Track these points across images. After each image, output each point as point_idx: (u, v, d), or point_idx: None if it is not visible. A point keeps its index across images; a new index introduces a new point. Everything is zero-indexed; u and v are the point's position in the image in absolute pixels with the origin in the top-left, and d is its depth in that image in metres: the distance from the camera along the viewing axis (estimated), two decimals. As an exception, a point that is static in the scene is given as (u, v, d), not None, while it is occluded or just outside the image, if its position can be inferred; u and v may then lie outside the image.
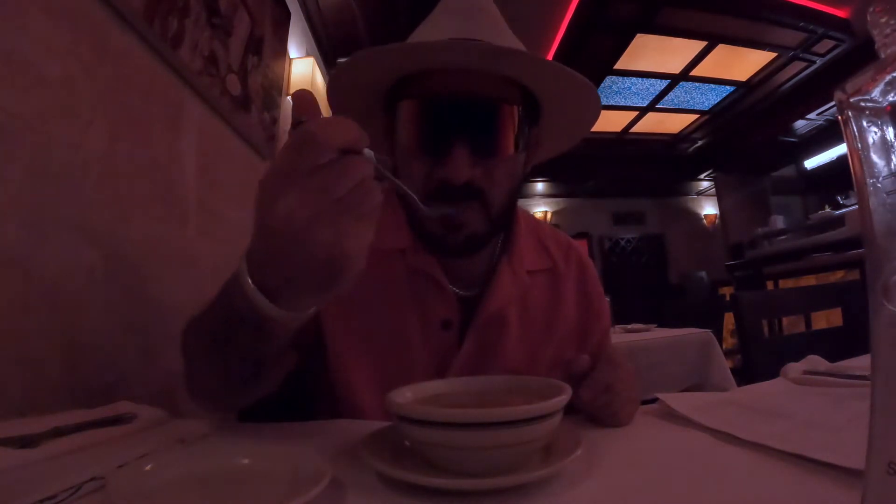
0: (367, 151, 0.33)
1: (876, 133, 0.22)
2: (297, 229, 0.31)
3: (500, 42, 0.51)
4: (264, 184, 0.33)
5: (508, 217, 0.58)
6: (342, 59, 0.54)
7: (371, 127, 0.49)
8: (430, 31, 0.54)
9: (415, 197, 0.37)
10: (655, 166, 6.53)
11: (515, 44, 0.54)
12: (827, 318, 1.47)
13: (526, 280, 0.61)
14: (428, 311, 0.58)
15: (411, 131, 0.52)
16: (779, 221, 4.31)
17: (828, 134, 5.16)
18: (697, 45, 3.81)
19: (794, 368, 0.68)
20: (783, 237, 4.15)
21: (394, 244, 0.58)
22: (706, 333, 1.77)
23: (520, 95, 0.53)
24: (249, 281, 0.35)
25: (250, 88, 1.55)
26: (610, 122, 5.31)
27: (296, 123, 0.32)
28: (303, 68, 2.17)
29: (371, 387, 0.55)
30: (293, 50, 2.17)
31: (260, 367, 0.41)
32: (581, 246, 0.64)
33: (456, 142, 0.49)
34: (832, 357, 0.71)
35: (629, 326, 2.12)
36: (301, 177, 0.31)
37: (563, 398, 0.37)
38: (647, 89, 4.56)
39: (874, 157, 0.22)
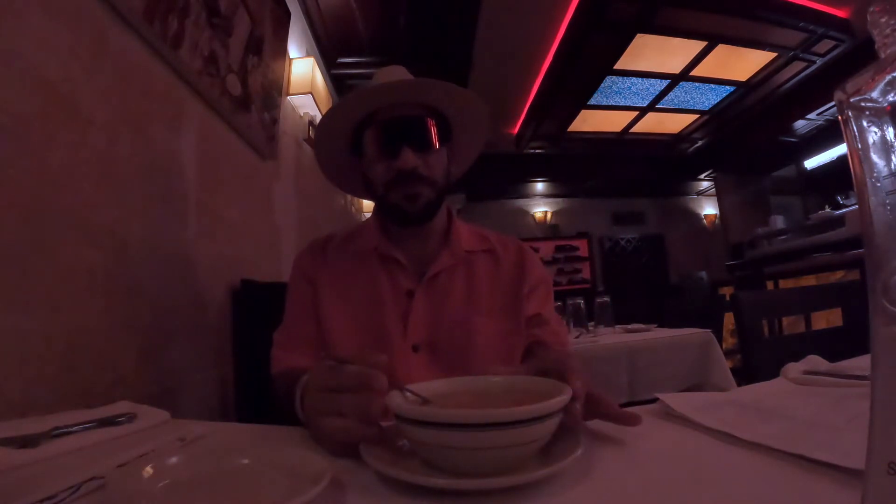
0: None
1: (876, 133, 0.22)
2: (310, 420, 0.50)
3: (413, 83, 0.75)
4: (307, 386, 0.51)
5: (445, 192, 0.80)
6: (316, 135, 0.80)
7: (344, 165, 0.84)
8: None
9: (419, 394, 0.45)
10: (655, 166, 6.53)
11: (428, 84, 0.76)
12: (827, 318, 1.47)
13: (464, 256, 0.83)
14: (396, 285, 0.80)
15: (375, 145, 0.75)
16: (779, 221, 4.31)
17: (828, 134, 5.15)
18: (697, 45, 3.80)
19: (794, 368, 0.68)
20: (783, 237, 4.15)
21: (369, 244, 0.82)
22: (706, 333, 1.77)
23: (435, 114, 0.78)
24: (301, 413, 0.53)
25: (250, 88, 1.55)
26: (610, 122, 5.30)
27: (338, 359, 0.47)
28: (303, 68, 2.17)
29: (356, 340, 0.77)
30: (293, 50, 2.17)
31: None
32: (524, 244, 0.91)
33: (401, 144, 0.73)
34: (832, 357, 0.71)
35: (629, 326, 2.12)
36: (321, 391, 0.47)
37: (563, 398, 0.37)
38: (647, 89, 4.55)
39: (874, 157, 0.22)
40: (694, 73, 4.24)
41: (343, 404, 0.43)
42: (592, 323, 2.09)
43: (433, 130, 0.75)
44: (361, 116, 0.77)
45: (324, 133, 0.80)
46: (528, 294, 0.83)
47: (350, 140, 0.80)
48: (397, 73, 0.82)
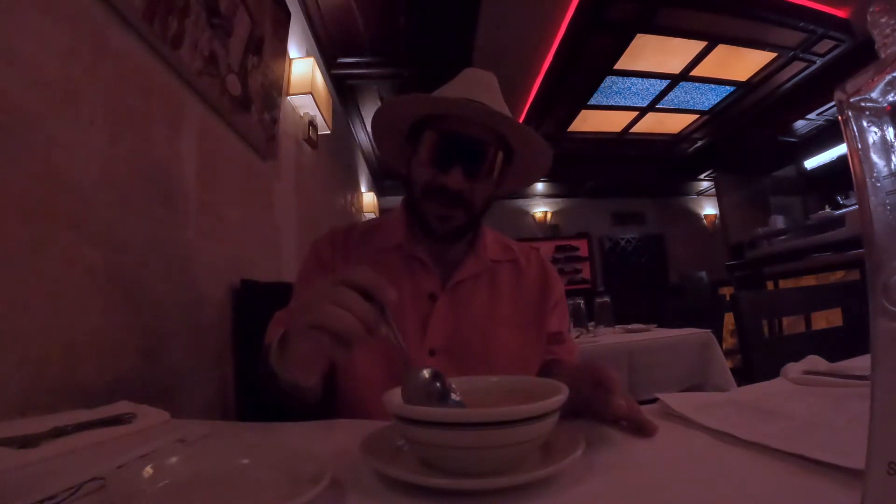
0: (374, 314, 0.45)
1: (876, 133, 0.22)
2: (296, 332, 0.49)
3: (496, 107, 0.73)
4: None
5: (480, 217, 0.79)
6: (390, 99, 0.76)
7: (396, 146, 0.81)
8: (451, 89, 0.76)
9: (403, 346, 0.46)
10: (655, 166, 6.52)
11: (505, 109, 0.75)
12: (827, 318, 1.47)
13: (489, 265, 0.82)
14: (418, 287, 0.77)
15: (428, 150, 0.73)
16: (779, 221, 4.30)
17: (828, 134, 5.14)
18: (697, 45, 3.80)
19: (794, 368, 0.68)
20: (783, 237, 4.14)
21: (393, 241, 0.80)
22: (706, 333, 1.77)
23: (500, 142, 0.74)
24: (274, 347, 0.55)
25: (250, 88, 1.55)
26: (610, 122, 5.29)
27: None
28: (303, 68, 2.16)
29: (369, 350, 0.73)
30: (293, 50, 2.17)
31: (283, 390, 0.56)
32: (544, 255, 0.91)
33: (456, 163, 0.71)
34: (832, 357, 0.71)
35: (629, 326, 2.12)
36: (314, 298, 0.46)
37: (560, 398, 0.37)
38: (647, 89, 4.54)
39: (874, 157, 0.22)
40: (694, 73, 4.23)
41: (352, 301, 0.43)
42: (592, 323, 2.09)
43: (491, 161, 0.73)
44: (430, 112, 0.75)
45: (385, 115, 0.77)
46: (551, 310, 0.83)
47: (409, 125, 0.77)
48: (485, 81, 0.79)
